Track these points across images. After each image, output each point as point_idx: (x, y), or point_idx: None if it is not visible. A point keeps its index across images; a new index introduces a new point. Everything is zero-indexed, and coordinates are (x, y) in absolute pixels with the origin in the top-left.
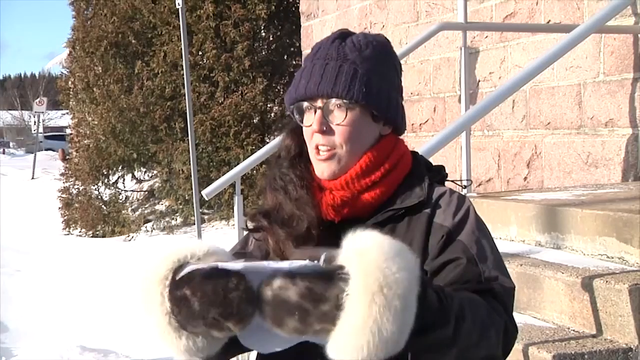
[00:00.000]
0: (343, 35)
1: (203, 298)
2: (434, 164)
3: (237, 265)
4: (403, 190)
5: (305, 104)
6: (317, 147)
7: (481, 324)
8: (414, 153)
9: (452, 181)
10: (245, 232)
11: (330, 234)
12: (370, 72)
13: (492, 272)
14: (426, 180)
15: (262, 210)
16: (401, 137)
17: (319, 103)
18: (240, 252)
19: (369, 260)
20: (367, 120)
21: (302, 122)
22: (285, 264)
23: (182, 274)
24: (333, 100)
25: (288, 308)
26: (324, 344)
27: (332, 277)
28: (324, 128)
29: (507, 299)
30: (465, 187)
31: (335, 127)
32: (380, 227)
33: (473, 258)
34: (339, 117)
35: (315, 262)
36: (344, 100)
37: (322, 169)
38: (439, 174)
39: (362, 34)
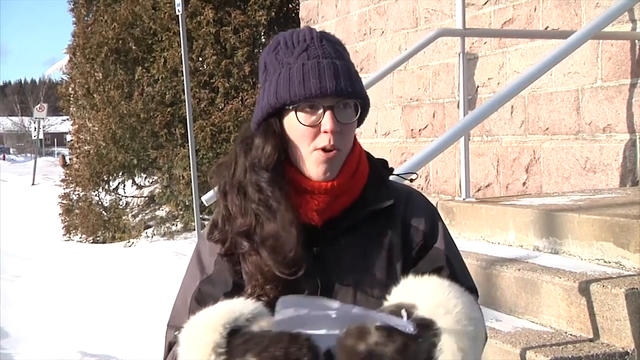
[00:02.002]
0: (313, 32)
1: None
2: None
3: (332, 306)
4: (370, 189)
5: (313, 103)
6: (322, 149)
7: (483, 328)
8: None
9: (398, 175)
10: (220, 256)
11: (309, 239)
12: (356, 71)
13: (465, 280)
14: (388, 179)
15: (240, 230)
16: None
17: (329, 102)
18: (207, 279)
19: (459, 316)
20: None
21: (304, 122)
22: (374, 317)
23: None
24: (344, 99)
25: None
26: None
27: (425, 332)
28: (338, 128)
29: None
30: (412, 180)
31: (342, 127)
32: (354, 229)
33: (453, 267)
34: (349, 116)
35: (401, 316)
36: (358, 100)
37: (323, 170)
38: (388, 170)
39: (318, 31)
